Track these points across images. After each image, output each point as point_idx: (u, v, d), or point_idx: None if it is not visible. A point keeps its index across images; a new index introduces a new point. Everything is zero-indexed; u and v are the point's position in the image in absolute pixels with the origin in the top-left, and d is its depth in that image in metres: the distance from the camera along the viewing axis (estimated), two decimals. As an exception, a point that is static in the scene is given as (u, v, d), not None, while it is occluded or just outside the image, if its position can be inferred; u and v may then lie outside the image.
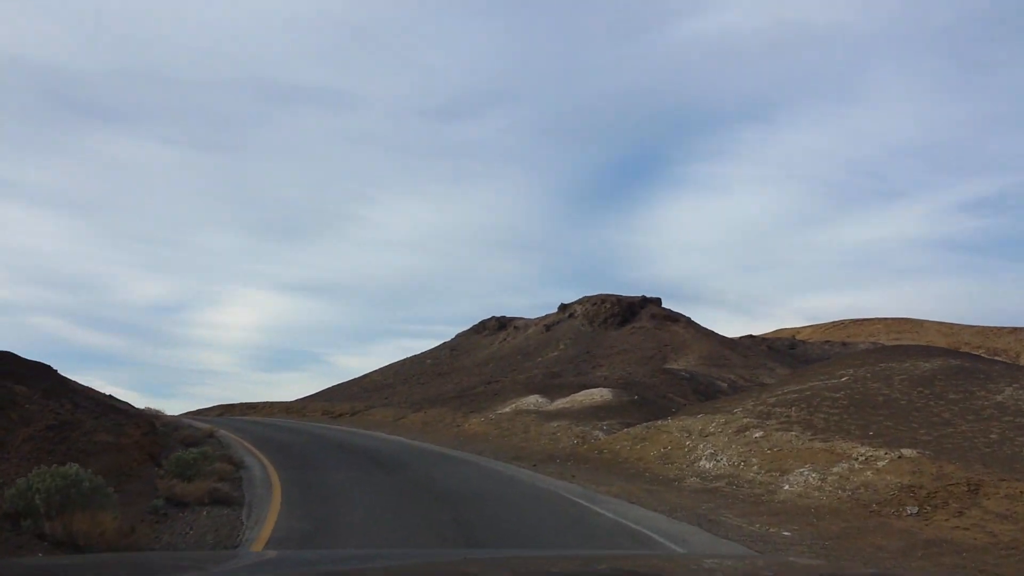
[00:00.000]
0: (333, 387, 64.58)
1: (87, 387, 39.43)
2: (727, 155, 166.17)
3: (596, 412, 28.72)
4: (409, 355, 70.88)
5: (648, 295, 66.03)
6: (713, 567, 2.84)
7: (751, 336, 74.47)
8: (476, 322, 72.40)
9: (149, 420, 25.89)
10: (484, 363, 60.35)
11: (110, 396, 36.59)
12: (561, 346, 59.61)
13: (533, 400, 33.42)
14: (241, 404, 48.65)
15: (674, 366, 50.03)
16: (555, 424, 26.72)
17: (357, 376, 67.11)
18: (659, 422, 22.57)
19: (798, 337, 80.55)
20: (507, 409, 32.27)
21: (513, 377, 51.03)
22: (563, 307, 66.74)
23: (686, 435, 20.37)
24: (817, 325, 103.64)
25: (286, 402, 48.03)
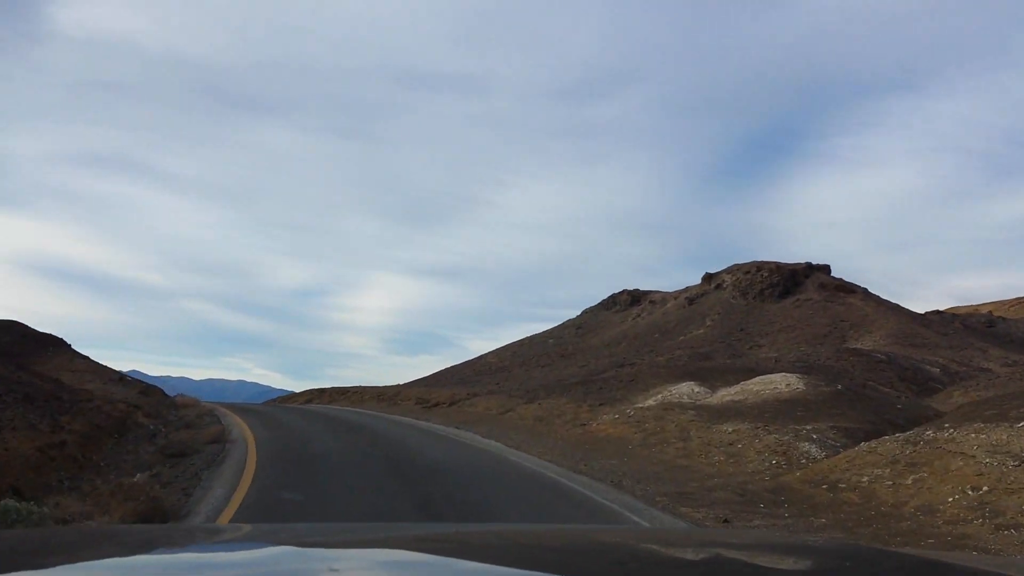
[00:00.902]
0: (443, 371, 57.29)
1: (99, 364, 32.76)
2: (870, 127, 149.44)
3: (787, 409, 19.31)
4: (529, 335, 62.57)
5: (814, 262, 54.92)
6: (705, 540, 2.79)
7: (938, 312, 61.81)
8: (605, 297, 63.20)
9: (127, 411, 18.54)
10: (614, 342, 51.25)
11: (121, 375, 30.14)
12: (707, 322, 49.65)
13: (686, 389, 24.27)
14: (332, 390, 41.88)
15: (860, 345, 39.29)
16: (728, 428, 17.54)
17: (471, 358, 59.50)
18: (928, 434, 13.02)
19: (995, 313, 66.85)
20: (650, 401, 23.31)
21: (651, 359, 41.74)
22: (708, 277, 56.57)
23: (1003, 461, 10.87)
24: (1001, 301, 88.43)
25: (380, 387, 40.83)
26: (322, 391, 42.60)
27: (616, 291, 62.91)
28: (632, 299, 60.34)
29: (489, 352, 60.29)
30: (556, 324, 63.59)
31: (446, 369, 57.93)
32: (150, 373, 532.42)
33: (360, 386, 41.74)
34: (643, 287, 62.38)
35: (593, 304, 63.62)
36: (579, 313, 63.67)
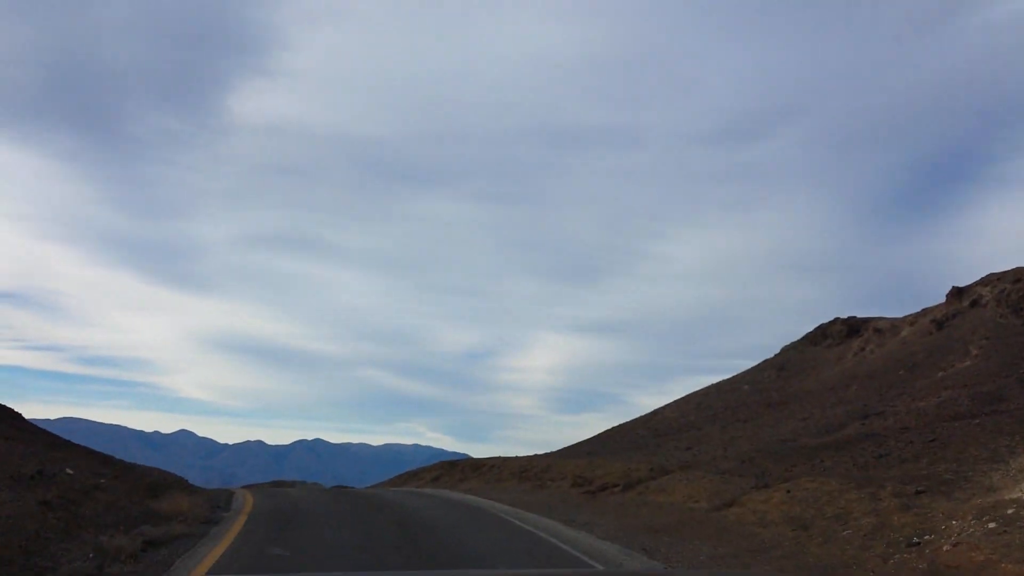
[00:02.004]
0: (612, 430, 46.46)
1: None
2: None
3: None
4: (715, 381, 50.61)
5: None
6: None
7: None
8: (811, 329, 50.32)
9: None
10: (839, 385, 38.49)
11: (105, 457, 24.04)
12: (972, 350, 35.97)
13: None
14: (465, 463, 32.74)
15: None
16: None
17: (644, 414, 48.31)
18: None
19: None
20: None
21: (910, 404, 28.99)
22: (957, 292, 42.83)
23: None
24: None
25: (526, 457, 31.46)
26: (453, 465, 33.49)
27: (825, 321, 49.99)
28: (849, 329, 47.27)
29: (666, 405, 48.97)
30: (748, 366, 51.28)
31: (615, 428, 47.40)
32: (332, 441, 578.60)
33: (501, 456, 32.67)
34: (860, 314, 49.26)
35: (795, 339, 50.93)
36: (777, 352, 51.06)
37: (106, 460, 22.07)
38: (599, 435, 46.21)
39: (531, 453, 38.24)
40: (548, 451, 40.85)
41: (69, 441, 26.48)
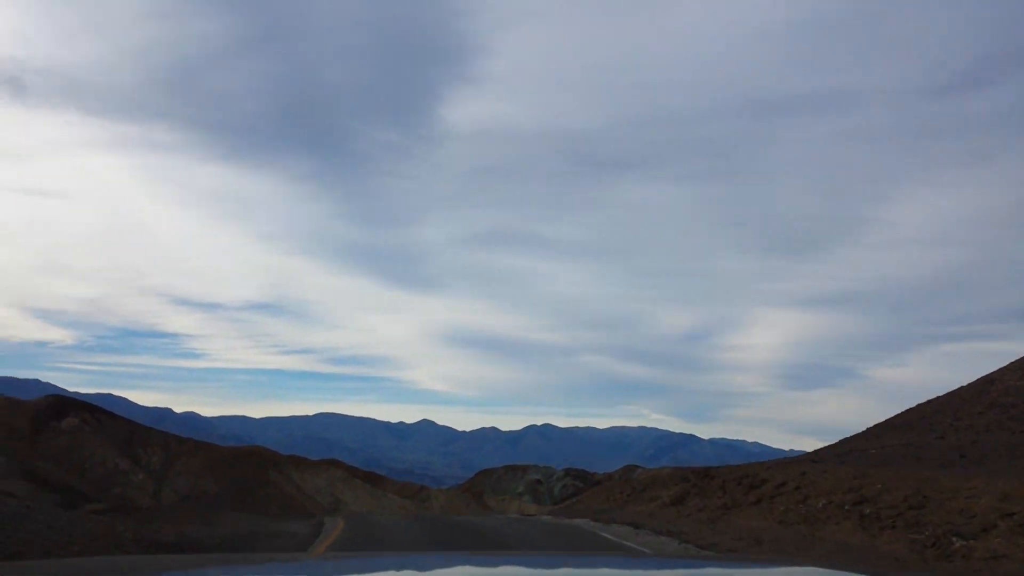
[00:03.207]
0: (882, 423, 35.64)
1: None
2: None
3: None
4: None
5: None
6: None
7: None
8: None
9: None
10: None
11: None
12: None
13: None
14: (726, 475, 22.48)
15: None
16: None
17: (973, 381, 36.56)
18: None
19: None
20: None
21: None
22: None
23: None
24: None
25: (843, 471, 18.49)
26: (705, 475, 23.61)
27: None
28: None
29: (1005, 368, 35.54)
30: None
31: (886, 420, 36.05)
32: (560, 425, 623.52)
33: (733, 466, 26.50)
34: None
35: None
36: None
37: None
38: (890, 419, 35.74)
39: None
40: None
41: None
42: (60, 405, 55.69)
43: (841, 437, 38.70)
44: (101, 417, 56.29)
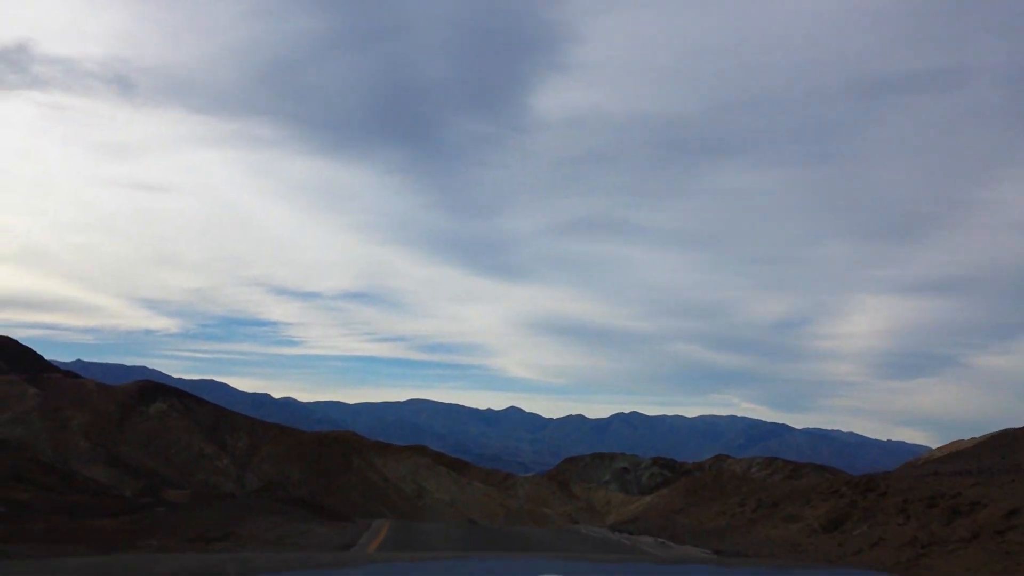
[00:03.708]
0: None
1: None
2: None
3: None
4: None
5: None
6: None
7: None
8: None
9: None
10: None
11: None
12: None
13: None
14: (846, 478, 22.28)
15: None
16: None
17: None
18: None
19: None
20: None
21: None
22: None
23: None
24: None
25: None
26: (829, 487, 19.76)
27: None
28: None
29: None
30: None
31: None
32: (647, 414, 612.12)
33: (906, 477, 21.34)
34: None
35: None
36: None
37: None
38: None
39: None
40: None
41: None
42: (149, 390, 56.39)
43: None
44: (189, 402, 56.71)
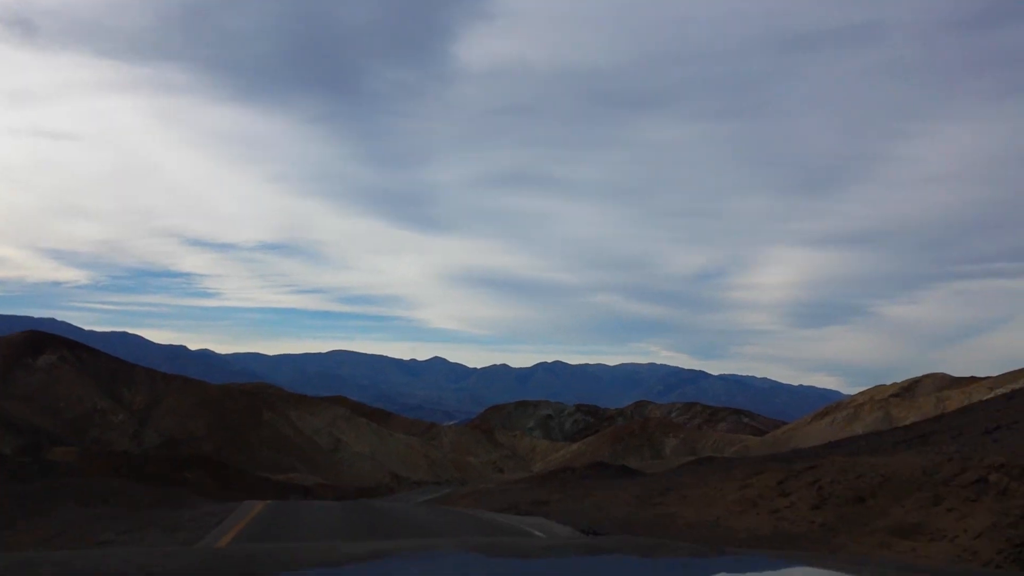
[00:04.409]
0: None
1: None
2: None
3: None
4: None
5: None
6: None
7: None
8: None
9: None
10: None
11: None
12: None
13: None
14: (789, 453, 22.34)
15: None
16: None
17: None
18: None
19: None
20: None
21: None
22: None
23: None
24: None
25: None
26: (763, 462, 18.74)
27: None
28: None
29: None
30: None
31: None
32: (571, 363, 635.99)
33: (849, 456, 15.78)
34: None
35: None
36: None
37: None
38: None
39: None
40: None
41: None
42: (37, 341, 51.62)
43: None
44: (82, 354, 52.24)
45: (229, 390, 59.17)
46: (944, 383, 61.57)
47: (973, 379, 60.12)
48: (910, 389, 62.17)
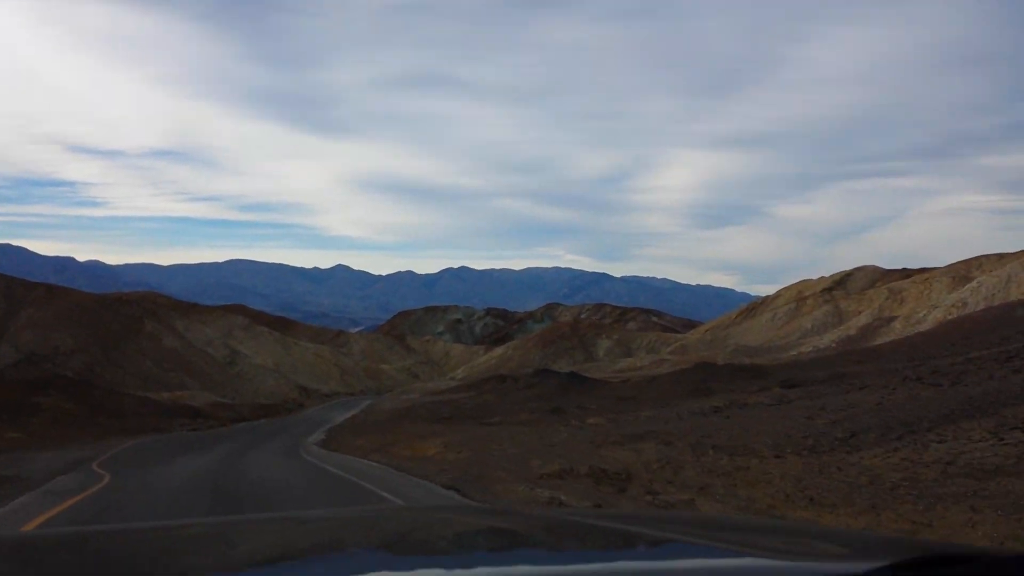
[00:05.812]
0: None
1: None
2: None
3: None
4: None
5: None
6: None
7: None
8: None
9: None
10: None
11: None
12: None
13: None
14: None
15: None
16: None
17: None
18: None
19: None
20: None
21: None
22: None
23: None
24: None
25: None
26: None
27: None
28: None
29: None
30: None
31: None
32: (476, 268, 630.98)
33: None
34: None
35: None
36: None
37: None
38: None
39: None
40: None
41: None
42: None
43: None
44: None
45: (104, 299, 51.65)
46: (877, 275, 60.20)
47: (906, 270, 59.07)
48: (842, 283, 60.38)
